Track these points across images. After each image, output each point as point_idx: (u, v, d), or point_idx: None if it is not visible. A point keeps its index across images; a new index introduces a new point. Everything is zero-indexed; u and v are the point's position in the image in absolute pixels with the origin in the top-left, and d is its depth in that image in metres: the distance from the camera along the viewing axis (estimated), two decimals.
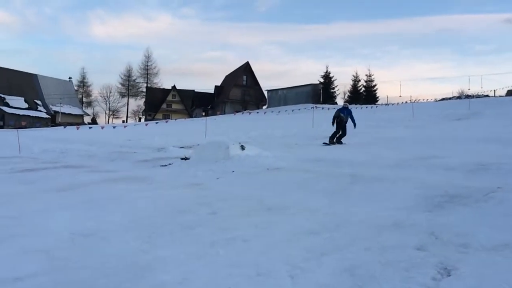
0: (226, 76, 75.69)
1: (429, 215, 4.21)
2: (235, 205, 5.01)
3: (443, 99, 52.49)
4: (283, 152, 9.77)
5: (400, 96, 61.68)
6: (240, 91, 67.20)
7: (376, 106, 46.46)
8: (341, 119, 13.32)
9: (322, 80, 66.03)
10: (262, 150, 9.19)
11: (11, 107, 58.28)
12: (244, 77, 68.30)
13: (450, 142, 11.41)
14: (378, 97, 67.17)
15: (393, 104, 49.67)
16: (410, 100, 51.34)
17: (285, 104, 60.26)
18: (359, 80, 68.58)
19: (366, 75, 69.00)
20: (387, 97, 61.84)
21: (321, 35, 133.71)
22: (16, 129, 28.03)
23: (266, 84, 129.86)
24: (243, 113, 52.18)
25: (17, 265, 3.20)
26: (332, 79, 66.58)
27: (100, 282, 2.87)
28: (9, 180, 8.73)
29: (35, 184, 8.03)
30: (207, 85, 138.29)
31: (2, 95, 58.44)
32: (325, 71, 66.94)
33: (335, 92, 66.92)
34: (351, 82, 68.71)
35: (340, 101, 66.34)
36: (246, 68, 68.51)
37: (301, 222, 4.13)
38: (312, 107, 34.34)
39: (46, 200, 6.20)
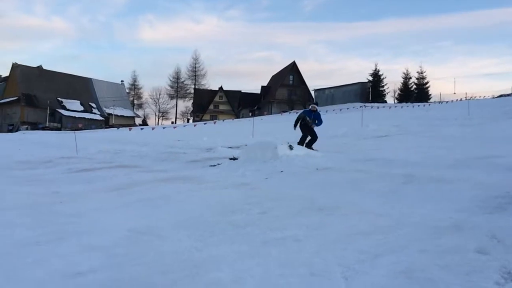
0: (273, 76, 75.79)
1: (490, 217, 4.00)
2: (285, 205, 4.99)
3: (501, 95, 49.95)
4: (332, 152, 9.64)
5: (454, 93, 59.46)
6: (287, 91, 67.05)
7: (429, 104, 44.92)
8: (306, 123, 11.46)
9: (370, 78, 64.69)
10: (311, 150, 9.11)
11: (68, 110, 61.30)
12: (291, 77, 68.10)
13: (510, 140, 10.81)
14: (430, 94, 65.04)
15: (447, 101, 47.83)
16: (466, 97, 49.24)
17: (333, 103, 59.51)
18: (410, 78, 66.69)
19: (418, 72, 67.06)
20: (440, 94, 59.76)
21: (368, 32, 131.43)
22: (73, 131, 29.47)
23: (312, 83, 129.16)
24: (290, 113, 52.00)
25: (79, 261, 3.35)
26: (382, 77, 65.02)
27: (157, 278, 2.95)
28: (69, 179, 9.17)
29: (92, 183, 8.39)
30: (253, 86, 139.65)
31: (60, 99, 61.55)
32: (374, 69, 65.62)
33: (384, 90, 65.35)
34: (401, 80, 66.83)
35: (390, 99, 64.73)
36: (292, 68, 68.27)
37: (353, 223, 4.05)
38: (361, 106, 33.68)
39: (103, 199, 6.46)
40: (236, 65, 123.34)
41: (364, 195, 5.37)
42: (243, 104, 72.86)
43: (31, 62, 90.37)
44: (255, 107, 70.49)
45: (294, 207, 4.85)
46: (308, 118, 11.40)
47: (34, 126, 56.53)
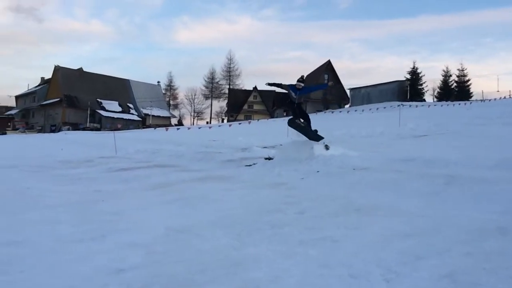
0: (307, 76, 74.51)
1: None
2: (322, 205, 4.94)
3: None
4: (370, 152, 9.47)
5: (498, 91, 57.19)
6: (321, 90, 66.47)
7: (470, 103, 43.47)
8: (291, 100, 9.71)
9: (408, 77, 63.20)
10: (348, 149, 8.98)
11: (107, 110, 63.08)
12: (326, 76, 67.43)
13: None
14: (472, 93, 62.91)
15: (489, 100, 46.11)
16: (510, 95, 47.30)
17: (369, 102, 58.57)
18: (450, 75, 64.73)
19: (458, 69, 64.94)
20: (483, 92, 57.63)
21: (405, 29, 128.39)
22: (112, 131, 30.31)
23: (348, 82, 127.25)
24: (325, 112, 51.55)
25: (121, 258, 3.43)
26: (420, 75, 63.41)
27: (196, 276, 2.98)
28: (109, 178, 9.43)
29: (132, 182, 8.60)
30: None
31: (99, 100, 63.42)
32: (412, 66, 64.14)
33: (423, 88, 63.72)
34: (441, 78, 64.93)
35: (428, 98, 63.05)
36: (327, 67, 67.67)
37: (393, 224, 3.96)
38: (399, 105, 32.95)
39: (142, 197, 6.61)
40: (270, 65, 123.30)
41: (403, 195, 5.25)
42: (278, 104, 72.73)
43: (72, 64, 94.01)
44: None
45: (332, 208, 4.79)
46: (293, 94, 9.52)
47: (75, 126, 58.51)
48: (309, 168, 7.78)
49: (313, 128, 9.70)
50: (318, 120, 32.19)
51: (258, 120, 49.88)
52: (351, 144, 11.20)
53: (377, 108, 43.92)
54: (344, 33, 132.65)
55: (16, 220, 5.04)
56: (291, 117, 9.82)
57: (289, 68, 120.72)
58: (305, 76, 9.83)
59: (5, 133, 56.02)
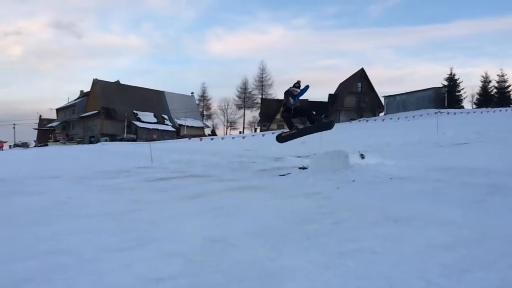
0: (340, 84, 74.74)
1: None
2: (359, 216, 4.87)
3: None
4: (407, 161, 9.26)
5: None
6: (355, 98, 65.85)
7: None
8: (288, 108, 9.31)
9: (445, 83, 61.60)
10: (384, 158, 8.82)
11: (143, 121, 64.56)
12: (359, 84, 66.81)
13: None
14: None
15: None
16: None
17: (404, 110, 57.36)
18: (490, 81, 62.58)
19: (498, 75, 62.74)
20: None
21: (439, 35, 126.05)
22: (147, 142, 30.98)
23: (381, 90, 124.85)
24: (359, 121, 50.87)
25: (159, 267, 3.49)
26: (458, 81, 61.70)
27: (234, 286, 2.99)
28: (146, 188, 9.63)
29: (167, 192, 8.74)
30: (320, 94, 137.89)
31: (135, 111, 65.02)
32: (449, 73, 62.47)
33: (461, 95, 61.95)
34: (480, 84, 62.96)
35: (467, 105, 61.22)
36: (361, 75, 66.96)
37: (433, 235, 3.85)
38: (436, 112, 32.11)
39: (178, 207, 6.71)
40: (302, 74, 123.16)
41: (443, 205, 5.10)
42: None
43: (110, 77, 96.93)
44: (323, 116, 69.61)
45: (369, 218, 4.71)
46: (291, 101, 9.15)
47: (113, 137, 60.13)
48: (344, 177, 7.69)
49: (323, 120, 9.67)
50: (351, 129, 31.86)
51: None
52: (387, 153, 11.01)
53: (414, 116, 42.92)
54: (377, 40, 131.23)
55: (60, 229, 5.21)
56: (278, 133, 9.19)
57: (322, 77, 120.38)
58: (300, 81, 9.42)
59: (47, 145, 58.25)
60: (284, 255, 3.62)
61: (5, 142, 54.34)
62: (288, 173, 9.75)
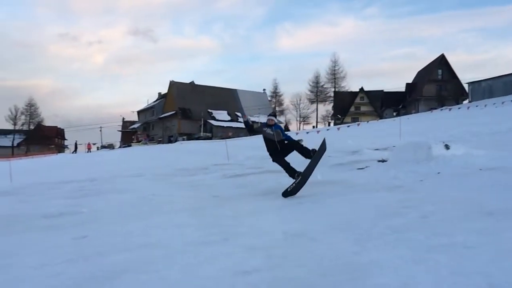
0: (418, 72, 71.24)
1: None
2: (447, 209, 4.60)
3: None
4: (497, 150, 8.59)
5: None
6: (435, 86, 62.44)
7: None
8: (267, 138, 7.79)
9: None
10: (471, 149, 8.26)
11: (217, 120, 66.26)
12: (439, 71, 63.23)
13: None
14: None
15: None
16: None
17: (491, 96, 53.21)
18: None
19: None
20: None
21: None
22: (223, 139, 31.73)
23: (464, 76, 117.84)
24: (441, 110, 48.09)
25: (243, 260, 3.56)
26: None
27: (317, 280, 2.97)
28: (224, 184, 9.88)
29: (245, 188, 8.90)
30: (396, 84, 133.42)
31: (210, 110, 66.91)
32: None
33: None
34: None
35: None
36: (441, 61, 63.33)
37: None
38: None
39: (256, 202, 6.80)
40: (376, 64, 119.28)
41: None
42: (386, 104, 69.94)
43: (185, 78, 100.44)
44: (400, 106, 67.02)
45: (459, 211, 4.43)
46: (269, 131, 7.73)
47: (189, 136, 62.37)
48: (428, 169, 7.31)
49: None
50: (432, 119, 30.22)
51: (367, 122, 48.18)
52: (475, 143, 10.31)
53: (503, 102, 39.67)
54: (457, 24, 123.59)
55: (148, 224, 5.52)
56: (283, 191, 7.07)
57: (398, 66, 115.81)
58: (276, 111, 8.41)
59: (130, 145, 61.85)
60: (369, 249, 3.52)
61: (94, 143, 58.49)
62: (366, 167, 9.49)
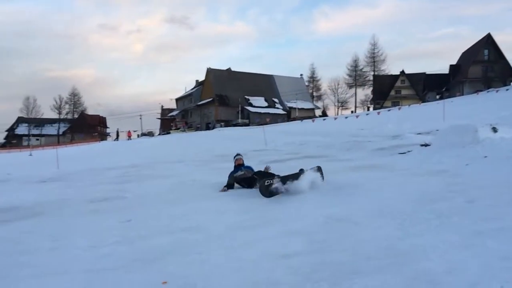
0: (463, 53, 68.32)
1: None
2: (496, 194, 4.42)
3: None
4: None
5: None
6: (481, 67, 59.74)
7: None
8: (245, 178, 7.23)
9: None
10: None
11: (254, 106, 66.32)
12: (485, 52, 60.39)
13: None
14: None
15: None
16: None
17: None
18: None
19: None
20: None
21: None
22: (260, 126, 31.81)
23: None
24: (488, 91, 46.03)
25: (283, 244, 3.56)
26: None
27: (361, 264, 2.93)
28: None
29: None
30: (439, 66, 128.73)
31: (247, 97, 67.04)
32: None
33: None
34: None
35: None
36: (487, 41, 60.42)
37: None
38: None
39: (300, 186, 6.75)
40: (418, 46, 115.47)
41: None
42: (429, 87, 67.63)
43: (221, 65, 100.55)
44: (443, 89, 64.69)
45: (507, 196, 4.26)
46: (240, 172, 7.37)
47: (227, 123, 62.84)
48: (474, 153, 7.04)
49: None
50: (479, 101, 29.00)
51: (409, 105, 46.80)
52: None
53: None
54: (504, 1, 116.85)
55: (189, 209, 5.63)
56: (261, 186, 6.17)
57: (440, 47, 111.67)
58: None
59: (169, 133, 63.11)
60: (413, 234, 3.44)
61: (135, 131, 60.07)
62: (408, 151, 9.26)
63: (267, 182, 5.95)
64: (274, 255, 3.31)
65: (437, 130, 11.91)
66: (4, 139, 75.65)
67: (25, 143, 66.47)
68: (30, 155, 31.57)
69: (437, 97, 61.33)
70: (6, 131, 76.46)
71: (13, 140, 73.74)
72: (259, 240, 3.78)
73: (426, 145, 9.15)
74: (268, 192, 5.90)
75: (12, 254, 3.99)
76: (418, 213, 4.08)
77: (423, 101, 59.26)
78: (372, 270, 2.79)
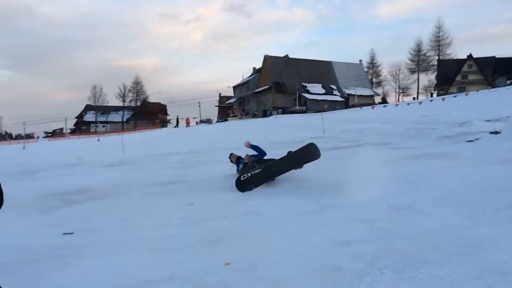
0: None
1: None
2: None
3: None
4: None
5: None
6: None
7: None
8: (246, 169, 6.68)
9: None
10: None
11: (311, 93, 65.62)
12: None
13: None
14: None
15: None
16: None
17: None
18: None
19: None
20: None
21: None
22: (318, 113, 31.46)
23: None
24: None
25: (346, 231, 3.54)
26: None
27: (427, 253, 2.85)
28: (325, 157, 9.80)
29: (342, 160, 8.76)
30: (510, 50, 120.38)
31: (304, 84, 66.44)
32: None
33: None
34: None
35: None
36: None
37: None
38: None
39: (357, 174, 6.65)
40: (487, 28, 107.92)
41: None
42: (499, 72, 63.46)
43: (278, 52, 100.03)
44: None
45: None
46: (240, 166, 7.29)
47: (284, 110, 62.72)
48: None
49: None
50: None
51: (477, 91, 44.24)
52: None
53: None
54: None
55: (248, 193, 5.72)
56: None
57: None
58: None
59: (227, 120, 64.07)
60: (482, 224, 3.30)
61: (194, 117, 61.61)
62: (476, 139, 8.81)
63: (243, 177, 6.04)
64: (336, 241, 3.31)
65: (508, 117, 11.19)
66: (74, 125, 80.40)
67: (92, 130, 70.40)
68: (98, 140, 33.43)
69: (508, 82, 57.50)
70: (76, 118, 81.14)
71: (82, 126, 78.24)
72: (320, 226, 3.78)
73: (496, 132, 8.66)
74: (242, 188, 5.96)
75: (86, 233, 4.27)
76: (487, 202, 3.89)
77: (493, 87, 55.77)
78: (438, 260, 2.71)
